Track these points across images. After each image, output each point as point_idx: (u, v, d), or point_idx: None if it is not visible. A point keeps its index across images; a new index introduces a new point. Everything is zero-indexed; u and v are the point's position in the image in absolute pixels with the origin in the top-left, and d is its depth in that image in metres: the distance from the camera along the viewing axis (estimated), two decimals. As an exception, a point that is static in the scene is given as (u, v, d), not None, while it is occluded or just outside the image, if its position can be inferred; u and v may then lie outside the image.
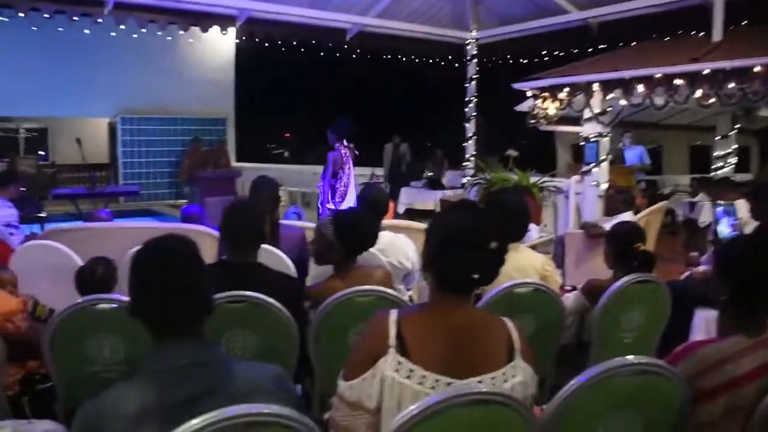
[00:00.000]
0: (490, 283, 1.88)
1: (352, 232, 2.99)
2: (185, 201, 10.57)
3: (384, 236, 3.81)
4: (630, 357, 1.87)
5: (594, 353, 3.10)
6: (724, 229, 4.74)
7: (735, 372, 1.92)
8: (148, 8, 9.48)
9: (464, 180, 11.21)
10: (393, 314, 1.83)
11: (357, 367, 1.81)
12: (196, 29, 10.35)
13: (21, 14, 8.75)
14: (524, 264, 3.13)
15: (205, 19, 10.14)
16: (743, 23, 8.73)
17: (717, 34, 8.41)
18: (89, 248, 4.21)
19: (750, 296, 2.03)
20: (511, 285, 2.83)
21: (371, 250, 3.68)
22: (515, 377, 1.80)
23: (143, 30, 9.80)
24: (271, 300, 2.57)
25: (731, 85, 7.31)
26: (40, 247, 4.08)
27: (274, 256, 3.67)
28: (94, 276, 3.01)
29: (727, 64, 7.32)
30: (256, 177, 4.18)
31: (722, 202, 5.53)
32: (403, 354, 1.75)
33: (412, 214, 11.13)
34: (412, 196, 11.06)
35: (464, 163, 11.86)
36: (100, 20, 9.31)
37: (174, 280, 1.63)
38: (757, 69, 7.07)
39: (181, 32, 10.45)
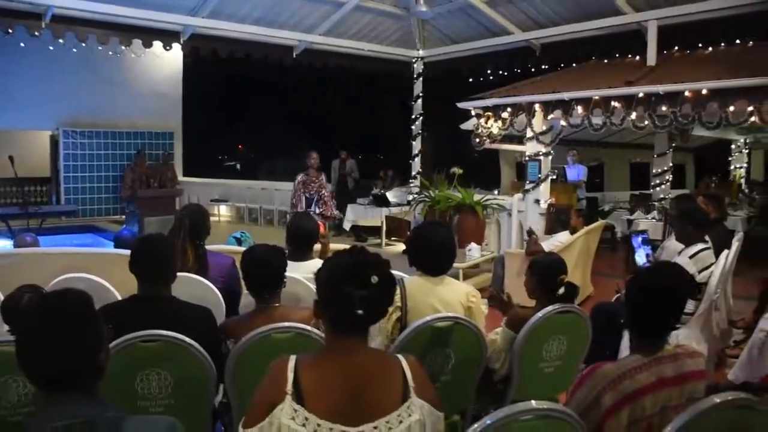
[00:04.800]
0: (379, 319, 1.93)
1: (257, 271, 2.97)
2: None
3: (315, 264, 3.79)
4: (533, 402, 1.90)
5: (515, 384, 3.14)
6: (641, 258, 4.88)
7: (633, 386, 2.12)
8: (88, 22, 9.32)
9: (410, 197, 11.28)
10: (292, 360, 1.84)
11: (256, 414, 1.81)
12: (138, 43, 10.20)
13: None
14: (449, 297, 3.14)
15: (147, 34, 10.03)
16: (675, 49, 9.06)
17: (651, 59, 8.72)
18: (14, 276, 4.11)
19: (647, 322, 2.27)
20: (431, 319, 2.85)
21: (302, 279, 3.67)
22: (411, 416, 1.81)
23: (83, 44, 9.61)
24: (185, 338, 2.53)
25: (664, 108, 7.57)
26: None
27: (201, 286, 3.62)
28: (19, 306, 2.89)
29: (659, 88, 7.58)
30: (186, 204, 4.12)
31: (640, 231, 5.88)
32: (299, 401, 1.76)
33: (358, 230, 11.14)
34: (358, 213, 11.05)
35: (410, 180, 11.97)
36: (37, 33, 9.11)
37: (52, 338, 1.59)
38: (687, 93, 7.33)
39: (123, 47, 10.24)
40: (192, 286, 3.50)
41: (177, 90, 15.64)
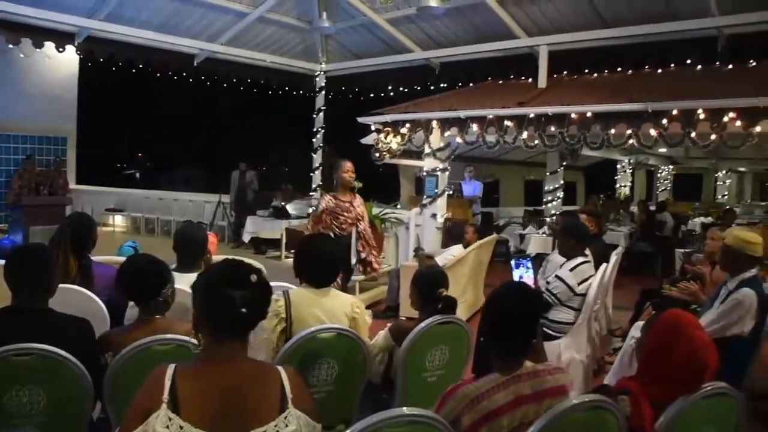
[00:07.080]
0: (261, 319, 1.96)
1: (131, 281, 2.93)
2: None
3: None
4: (404, 409, 2.00)
5: (399, 393, 3.23)
6: (516, 279, 5.14)
7: (490, 407, 2.15)
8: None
9: (310, 210, 11.31)
10: (170, 368, 1.84)
11: (132, 421, 1.80)
12: (28, 43, 9.74)
13: None
14: (334, 308, 3.21)
15: (38, 34, 9.61)
16: (564, 73, 9.61)
17: (542, 81, 9.19)
18: None
19: (502, 342, 2.30)
20: (315, 330, 2.91)
21: (187, 290, 3.63)
22: (288, 427, 1.84)
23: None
24: (60, 351, 2.46)
25: (552, 128, 7.99)
26: None
27: (83, 298, 3.52)
28: None
29: (549, 110, 8.01)
30: (71, 214, 4.00)
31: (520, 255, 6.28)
32: (175, 410, 1.76)
33: (258, 243, 11.05)
34: (257, 225, 10.97)
35: (311, 193, 12.01)
36: None
37: None
38: (573, 116, 7.78)
39: (11, 46, 9.75)
40: (74, 298, 3.40)
41: (72, 93, 14.91)
